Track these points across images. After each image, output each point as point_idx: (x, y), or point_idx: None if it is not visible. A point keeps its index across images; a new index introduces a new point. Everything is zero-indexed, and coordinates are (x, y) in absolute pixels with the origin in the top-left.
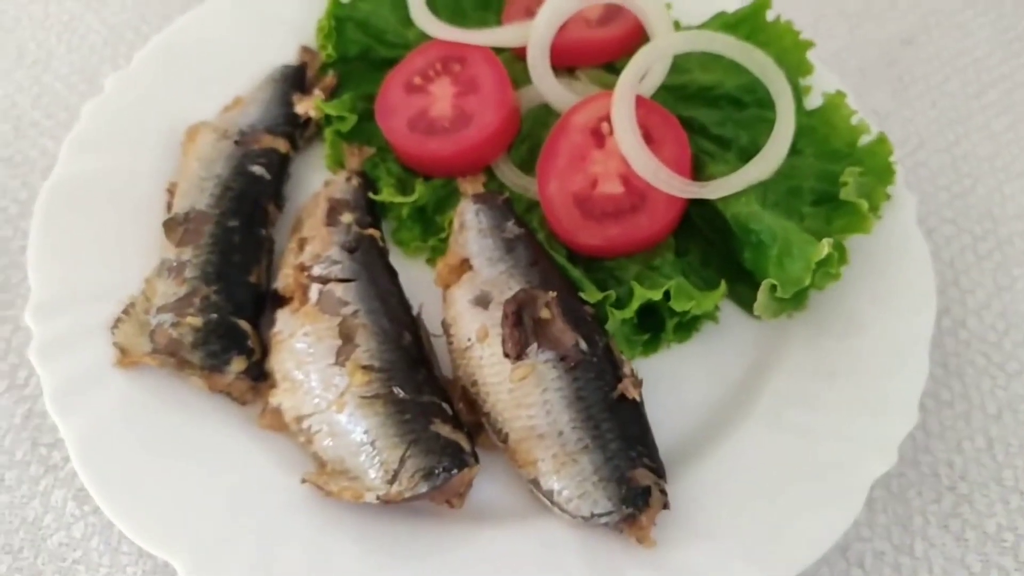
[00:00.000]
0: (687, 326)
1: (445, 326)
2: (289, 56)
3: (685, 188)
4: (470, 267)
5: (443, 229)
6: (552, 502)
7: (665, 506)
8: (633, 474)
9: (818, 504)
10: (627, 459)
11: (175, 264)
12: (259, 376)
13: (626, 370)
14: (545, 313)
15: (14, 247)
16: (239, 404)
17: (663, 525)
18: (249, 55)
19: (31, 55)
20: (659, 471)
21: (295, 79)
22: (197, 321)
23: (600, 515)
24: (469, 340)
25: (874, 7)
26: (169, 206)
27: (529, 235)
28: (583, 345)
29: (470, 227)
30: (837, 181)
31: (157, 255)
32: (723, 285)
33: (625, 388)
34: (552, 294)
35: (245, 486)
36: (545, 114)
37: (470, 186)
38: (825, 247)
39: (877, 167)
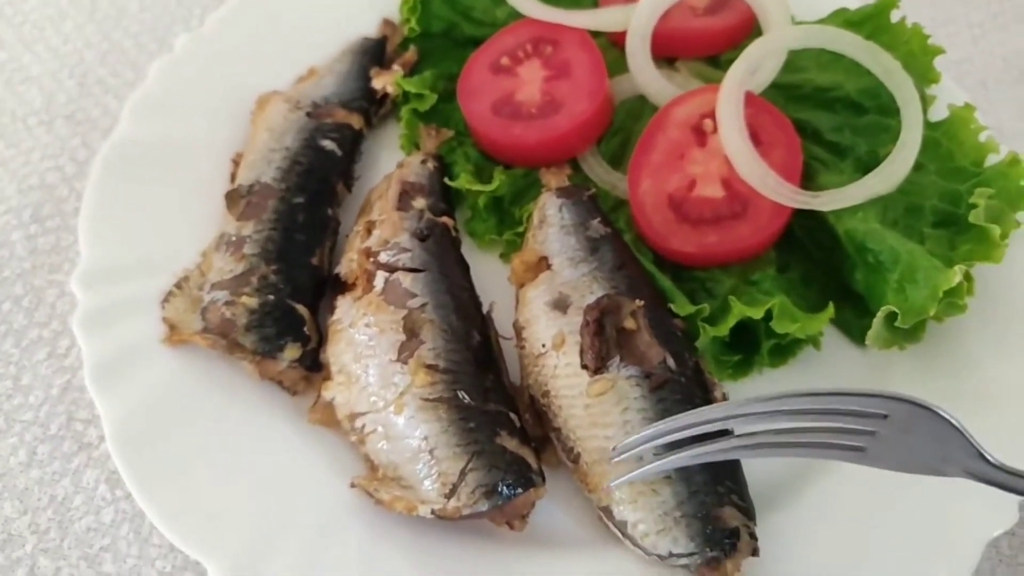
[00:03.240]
0: (784, 350)
1: (517, 328)
2: (369, 28)
3: (795, 197)
4: (548, 266)
5: (520, 222)
6: (625, 535)
7: (754, 552)
8: (720, 513)
9: (924, 563)
10: (714, 495)
11: (234, 238)
12: (313, 366)
13: (717, 394)
14: (630, 323)
15: (68, 208)
16: (289, 394)
17: (748, 573)
18: (327, 25)
19: (103, 10)
20: (749, 512)
21: (374, 52)
22: (252, 302)
23: (680, 555)
24: (543, 346)
25: (1000, 18)
26: (233, 177)
27: (616, 236)
28: (671, 362)
29: (551, 223)
30: (961, 202)
31: (216, 228)
32: (830, 308)
33: None
34: (639, 303)
35: (289, 485)
36: (640, 107)
37: (553, 178)
38: (957, 274)
39: (1007, 190)
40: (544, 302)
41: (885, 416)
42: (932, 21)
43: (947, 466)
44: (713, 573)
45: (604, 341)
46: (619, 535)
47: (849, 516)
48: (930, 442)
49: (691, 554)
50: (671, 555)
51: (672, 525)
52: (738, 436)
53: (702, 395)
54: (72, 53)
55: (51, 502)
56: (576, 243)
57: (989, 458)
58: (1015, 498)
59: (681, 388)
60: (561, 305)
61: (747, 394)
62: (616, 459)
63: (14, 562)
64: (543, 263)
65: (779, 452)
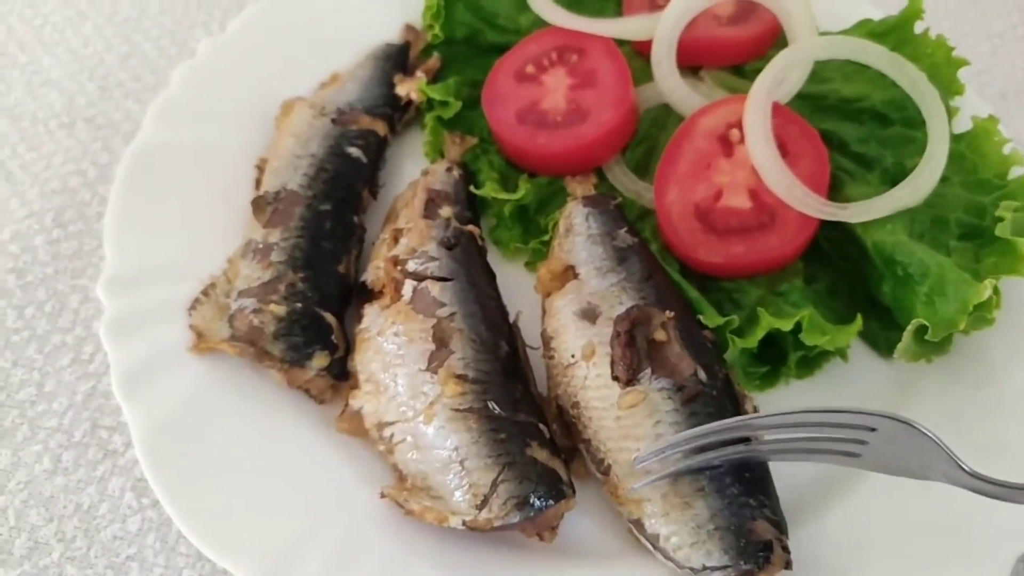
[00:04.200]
0: (812, 362)
1: (545, 338)
2: (392, 34)
3: (823, 208)
4: (575, 275)
5: (546, 231)
6: (656, 548)
7: (787, 565)
8: (753, 526)
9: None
10: (747, 508)
11: (261, 246)
12: (341, 374)
13: (748, 407)
14: (660, 335)
15: (90, 213)
16: (317, 403)
17: None
18: (350, 30)
19: (123, 13)
20: (781, 525)
21: (397, 59)
22: (280, 310)
23: (713, 568)
24: (572, 357)
25: (1020, 28)
26: (258, 183)
27: (643, 245)
28: (702, 375)
29: (578, 232)
30: (986, 214)
31: (242, 234)
32: (859, 320)
33: None
34: (669, 314)
35: (318, 494)
36: (665, 116)
37: (579, 187)
38: (987, 288)
39: None
40: (572, 312)
41: (873, 429)
42: (951, 32)
43: (929, 472)
44: None
45: (635, 352)
46: (650, 548)
47: (878, 530)
48: (913, 451)
49: (724, 567)
50: (704, 568)
51: (705, 538)
52: (750, 444)
53: (733, 408)
54: (92, 56)
55: (77, 510)
56: (604, 252)
57: (963, 466)
58: None
59: (713, 401)
60: (590, 315)
61: (774, 405)
62: (639, 467)
63: (42, 570)
64: (570, 272)
65: (786, 457)
